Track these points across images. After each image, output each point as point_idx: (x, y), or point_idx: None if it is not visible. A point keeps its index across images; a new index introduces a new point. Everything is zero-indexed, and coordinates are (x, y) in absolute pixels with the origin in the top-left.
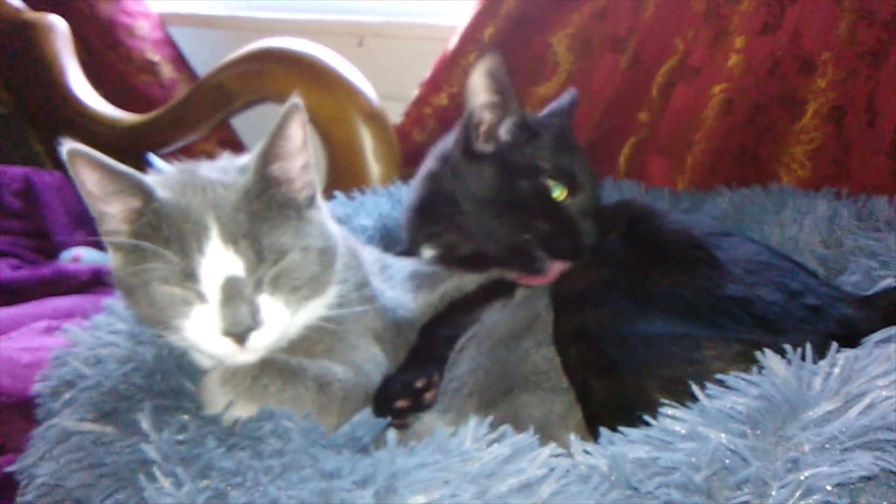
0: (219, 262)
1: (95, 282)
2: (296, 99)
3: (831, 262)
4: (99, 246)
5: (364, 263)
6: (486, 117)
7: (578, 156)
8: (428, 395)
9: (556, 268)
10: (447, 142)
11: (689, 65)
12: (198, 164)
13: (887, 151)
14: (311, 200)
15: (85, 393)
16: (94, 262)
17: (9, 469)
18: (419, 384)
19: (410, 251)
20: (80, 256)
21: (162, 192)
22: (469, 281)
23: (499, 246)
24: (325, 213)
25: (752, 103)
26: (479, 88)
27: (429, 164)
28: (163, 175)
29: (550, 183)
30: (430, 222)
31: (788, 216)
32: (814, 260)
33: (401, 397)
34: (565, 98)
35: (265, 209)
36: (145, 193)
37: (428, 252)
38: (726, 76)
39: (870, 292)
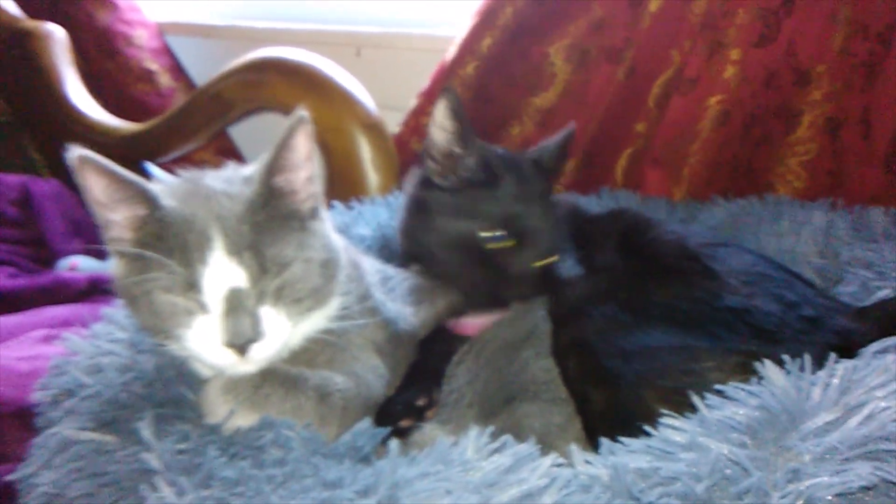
0: (222, 273)
1: (93, 290)
2: (302, 111)
3: (828, 272)
4: (96, 254)
5: (366, 275)
6: (445, 153)
7: (534, 207)
8: (429, 413)
9: (476, 321)
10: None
11: (685, 76)
12: (203, 174)
13: (882, 163)
14: (314, 212)
15: (85, 402)
16: (91, 271)
17: (8, 478)
18: (421, 402)
19: (404, 266)
20: (77, 265)
21: (167, 201)
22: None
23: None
24: (329, 225)
25: (748, 115)
26: (440, 124)
27: (407, 188)
28: (168, 184)
29: (484, 231)
30: (412, 247)
31: (785, 227)
32: (810, 270)
33: (403, 417)
34: (561, 134)
35: (269, 220)
36: (150, 202)
37: (415, 268)
38: (722, 88)
39: (867, 303)
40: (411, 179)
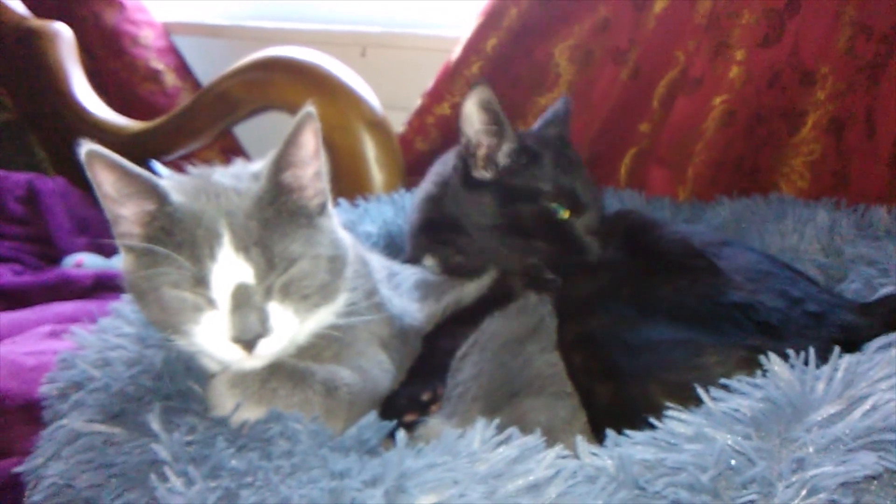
0: (230, 268)
1: (98, 287)
2: (309, 108)
3: (831, 270)
4: (101, 251)
5: (373, 271)
6: (484, 144)
7: (580, 173)
8: (433, 408)
9: None
10: (445, 164)
11: (690, 76)
12: (211, 170)
13: (886, 163)
14: (322, 208)
15: (93, 395)
16: (96, 268)
17: (16, 470)
18: (425, 397)
19: (412, 260)
20: (82, 262)
21: (176, 197)
22: (469, 292)
23: (509, 267)
24: (336, 221)
25: (753, 115)
26: (473, 118)
27: (427, 187)
28: (177, 179)
29: (551, 204)
30: (434, 242)
31: (789, 225)
32: (814, 268)
33: (408, 411)
34: (559, 106)
35: (277, 216)
36: (159, 197)
37: (429, 262)
38: (727, 88)
39: (870, 299)
40: (432, 178)
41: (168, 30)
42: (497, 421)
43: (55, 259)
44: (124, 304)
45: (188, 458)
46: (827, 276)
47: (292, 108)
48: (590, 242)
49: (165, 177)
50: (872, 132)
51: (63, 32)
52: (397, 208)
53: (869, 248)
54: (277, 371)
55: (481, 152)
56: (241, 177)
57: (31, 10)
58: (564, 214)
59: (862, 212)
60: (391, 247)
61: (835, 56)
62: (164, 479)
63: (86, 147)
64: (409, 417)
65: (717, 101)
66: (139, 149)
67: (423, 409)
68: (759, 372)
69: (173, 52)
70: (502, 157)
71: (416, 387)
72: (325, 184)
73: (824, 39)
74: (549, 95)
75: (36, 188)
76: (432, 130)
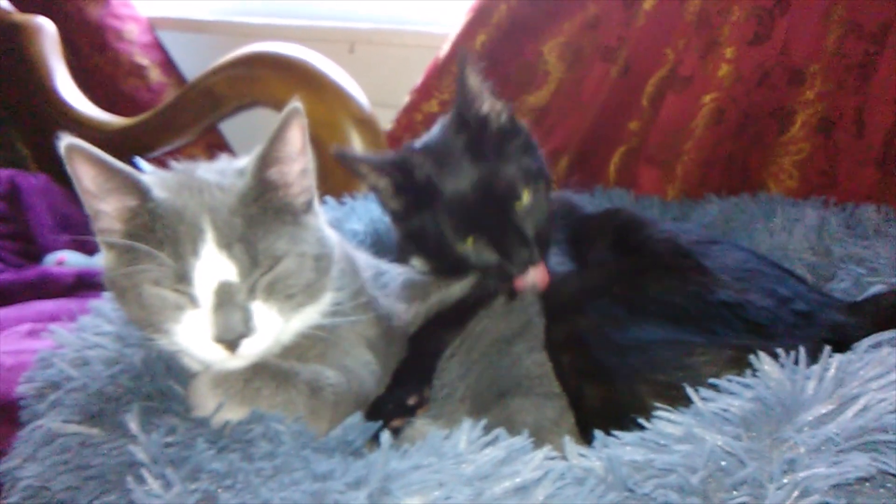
0: (212, 266)
1: (80, 285)
2: (296, 103)
3: (820, 269)
4: (83, 249)
5: (360, 271)
6: (384, 193)
7: (454, 161)
8: (420, 412)
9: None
10: None
11: (679, 74)
12: (195, 165)
13: (875, 162)
14: (308, 206)
15: (71, 394)
16: (79, 266)
17: None
18: (411, 402)
19: (400, 260)
20: (64, 260)
21: (158, 192)
22: (454, 292)
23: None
24: (322, 219)
25: (742, 113)
26: (368, 171)
27: None
28: (160, 175)
29: (449, 235)
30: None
31: (777, 224)
32: (803, 267)
33: (394, 416)
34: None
35: (261, 213)
36: (141, 192)
37: (416, 262)
38: (716, 86)
39: (859, 298)
40: None
41: (153, 25)
42: (484, 422)
43: (36, 257)
44: (104, 302)
45: (167, 459)
46: (816, 274)
47: (278, 105)
48: (498, 262)
49: (148, 172)
50: (861, 131)
51: (46, 27)
52: None
53: (858, 247)
54: (261, 371)
55: (385, 200)
56: (225, 172)
57: (14, 5)
58: (468, 242)
59: (851, 211)
60: (378, 245)
61: (824, 55)
62: (141, 481)
63: (65, 140)
64: (395, 423)
65: (706, 99)
66: (123, 145)
67: (410, 414)
68: (748, 371)
69: (158, 48)
70: (400, 202)
71: (403, 391)
72: (311, 181)
73: (814, 38)
74: (538, 93)
75: (17, 185)
76: (420, 128)
